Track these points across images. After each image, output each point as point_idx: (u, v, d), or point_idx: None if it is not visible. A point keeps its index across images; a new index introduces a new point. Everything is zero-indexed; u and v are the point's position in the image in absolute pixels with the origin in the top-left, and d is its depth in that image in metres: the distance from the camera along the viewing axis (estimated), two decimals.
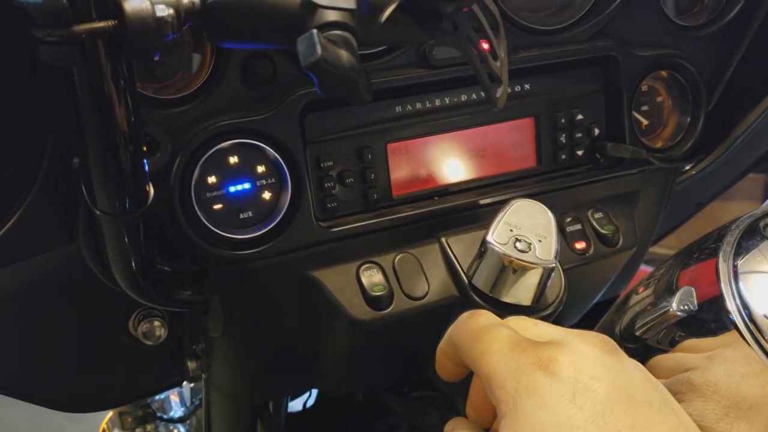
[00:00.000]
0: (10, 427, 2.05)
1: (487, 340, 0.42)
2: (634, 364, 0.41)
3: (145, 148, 0.48)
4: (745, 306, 0.50)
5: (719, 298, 0.51)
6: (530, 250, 0.58)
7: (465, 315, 0.46)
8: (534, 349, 0.40)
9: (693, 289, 0.56)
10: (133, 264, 0.54)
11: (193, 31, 0.57)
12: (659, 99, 0.78)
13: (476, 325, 0.43)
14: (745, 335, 0.50)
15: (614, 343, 0.42)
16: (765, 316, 0.49)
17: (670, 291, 0.58)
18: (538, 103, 0.70)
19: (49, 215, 0.54)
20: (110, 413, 1.04)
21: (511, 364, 0.40)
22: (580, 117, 0.72)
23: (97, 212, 0.48)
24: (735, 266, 0.51)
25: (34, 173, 0.52)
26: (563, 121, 0.71)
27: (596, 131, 0.73)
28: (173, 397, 1.06)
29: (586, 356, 0.40)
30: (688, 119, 0.78)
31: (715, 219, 1.08)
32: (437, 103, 0.66)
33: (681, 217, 0.97)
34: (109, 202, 0.48)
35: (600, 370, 0.39)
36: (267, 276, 0.62)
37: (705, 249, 0.58)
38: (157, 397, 1.04)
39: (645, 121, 0.77)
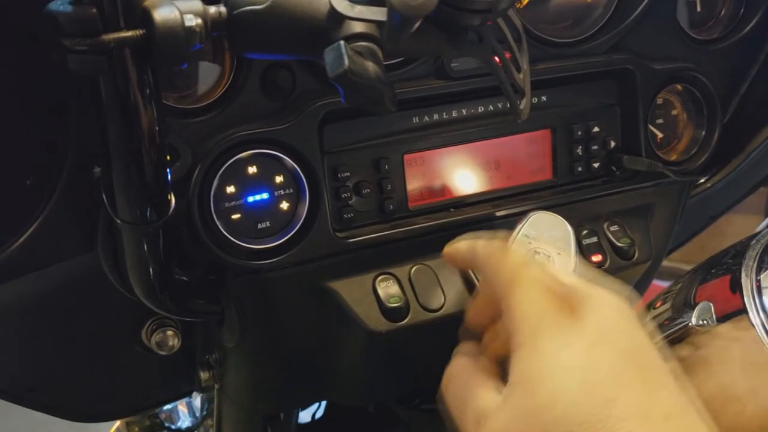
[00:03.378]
0: None
1: (522, 270, 0.43)
2: (648, 332, 0.42)
3: (168, 158, 0.48)
4: None
5: (742, 313, 0.51)
6: (549, 262, 0.58)
7: (497, 243, 0.47)
8: (565, 290, 0.41)
9: (711, 304, 0.56)
10: (151, 273, 0.53)
11: (214, 40, 0.57)
12: (674, 112, 0.77)
13: (513, 257, 0.45)
14: None
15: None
16: None
17: (689, 305, 0.58)
18: (555, 115, 0.70)
19: (68, 224, 0.54)
20: (117, 423, 1.03)
21: (540, 300, 0.40)
22: (596, 129, 0.72)
23: (119, 222, 0.48)
24: (758, 280, 0.51)
25: (54, 182, 0.51)
26: (579, 133, 0.71)
27: (612, 144, 0.73)
28: (181, 407, 1.05)
29: (613, 309, 0.40)
30: (703, 133, 0.78)
31: (720, 231, 1.07)
32: (454, 114, 0.66)
33: (693, 230, 0.97)
34: (130, 211, 0.47)
35: (624, 325, 0.40)
36: (283, 286, 0.61)
37: (724, 264, 0.58)
38: (165, 407, 1.03)
39: (660, 134, 0.77)
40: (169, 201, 0.49)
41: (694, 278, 0.61)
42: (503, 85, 0.47)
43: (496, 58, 0.48)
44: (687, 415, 0.38)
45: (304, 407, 0.95)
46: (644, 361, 0.39)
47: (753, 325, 0.49)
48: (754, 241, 0.54)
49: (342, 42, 0.40)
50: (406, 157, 0.65)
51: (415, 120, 0.65)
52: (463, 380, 0.45)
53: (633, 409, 0.36)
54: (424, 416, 0.86)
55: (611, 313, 0.40)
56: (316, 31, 0.42)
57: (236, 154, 0.57)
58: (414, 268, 0.65)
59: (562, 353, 0.38)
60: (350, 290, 0.62)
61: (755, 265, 0.52)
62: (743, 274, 0.51)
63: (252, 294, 0.62)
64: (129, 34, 0.38)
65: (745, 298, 0.50)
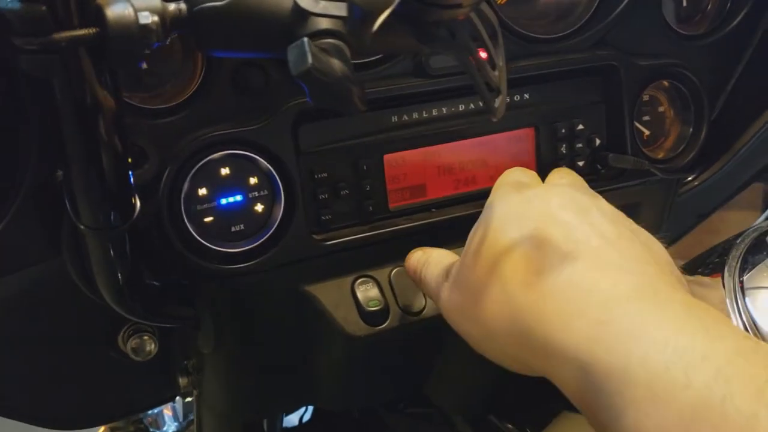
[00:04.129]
0: None
1: (509, 175, 0.56)
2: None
3: (130, 160, 0.46)
4: (752, 322, 0.49)
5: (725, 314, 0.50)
6: None
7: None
8: (521, 184, 0.53)
9: None
10: (119, 279, 0.52)
11: (183, 39, 0.56)
12: (661, 109, 0.76)
13: (518, 176, 0.56)
14: None
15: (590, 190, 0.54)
16: None
17: None
18: (538, 113, 0.69)
19: (32, 229, 0.52)
20: (102, 429, 1.02)
21: (506, 188, 0.52)
22: (580, 127, 0.71)
23: (81, 227, 0.47)
24: (741, 281, 0.50)
25: (18, 186, 0.50)
26: (563, 131, 0.70)
27: (597, 142, 0.71)
28: (166, 411, 1.04)
29: (553, 188, 0.51)
30: (690, 129, 0.76)
31: (714, 229, 1.06)
32: (434, 113, 0.65)
33: (682, 229, 0.96)
34: (93, 216, 0.46)
35: (558, 192, 0.49)
36: (258, 290, 0.60)
37: (709, 263, 0.57)
38: (149, 412, 1.02)
39: (646, 132, 0.75)
40: (134, 205, 0.48)
41: None
42: (476, 83, 0.46)
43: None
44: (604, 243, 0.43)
45: (286, 413, 0.93)
46: (578, 209, 0.46)
47: None
48: (738, 240, 0.53)
49: (305, 39, 0.38)
50: (386, 157, 0.64)
51: (394, 119, 0.63)
52: (438, 255, 0.56)
53: (560, 236, 0.44)
54: (410, 420, 0.84)
55: (552, 191, 0.50)
56: (280, 28, 0.40)
57: (207, 156, 0.56)
58: (394, 270, 0.63)
59: (502, 207, 0.49)
60: (328, 294, 0.61)
61: (738, 266, 0.50)
62: (726, 274, 0.50)
63: (226, 299, 0.60)
64: (81, 32, 0.37)
65: (727, 299, 0.49)
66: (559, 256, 0.43)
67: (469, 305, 0.47)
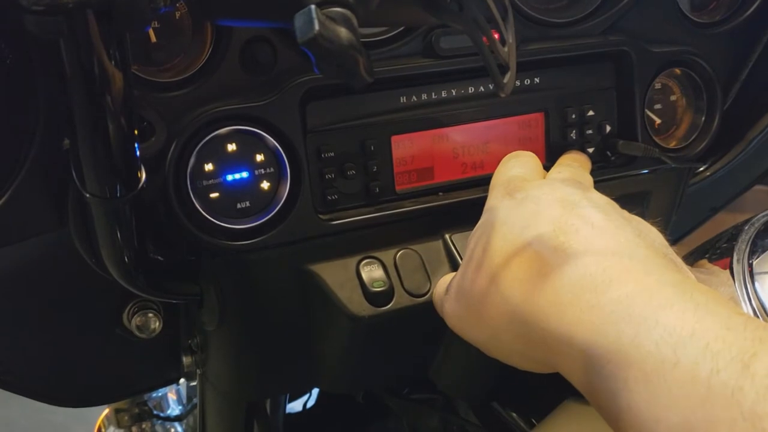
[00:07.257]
0: (12, 425, 2.04)
1: (497, 178, 0.58)
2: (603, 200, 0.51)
3: (136, 131, 0.46)
4: (762, 307, 0.48)
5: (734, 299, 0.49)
6: None
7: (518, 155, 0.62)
8: (514, 184, 0.54)
9: None
10: (124, 251, 0.52)
11: (192, 13, 0.55)
12: (673, 97, 0.75)
13: (512, 169, 0.59)
14: None
15: (581, 183, 0.54)
16: None
17: None
18: (548, 98, 0.68)
19: (38, 198, 0.53)
20: (106, 410, 1.02)
21: (499, 190, 0.55)
22: (591, 113, 0.70)
23: (87, 195, 0.47)
24: (750, 265, 0.49)
25: (24, 154, 0.50)
26: (573, 116, 0.69)
27: (607, 128, 0.71)
28: (171, 395, 1.04)
29: (543, 187, 0.51)
30: (703, 119, 0.75)
31: None
32: (444, 94, 0.64)
33: (694, 222, 0.95)
34: (98, 184, 0.46)
35: (547, 191, 0.51)
36: (263, 268, 0.60)
37: (718, 248, 0.56)
38: (154, 395, 1.02)
39: (658, 120, 0.74)
40: (139, 176, 0.48)
41: (688, 263, 0.59)
42: (485, 57, 0.45)
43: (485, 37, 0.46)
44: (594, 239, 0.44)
45: (291, 397, 0.93)
46: (566, 204, 0.48)
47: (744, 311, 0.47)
48: (747, 226, 0.52)
49: (313, 6, 0.38)
50: (394, 138, 0.63)
51: (403, 100, 0.63)
52: (443, 278, 0.59)
53: (550, 232, 0.45)
54: (414, 406, 0.84)
55: (542, 188, 0.51)
56: None
57: (214, 131, 0.56)
58: (399, 252, 0.63)
59: (493, 213, 0.51)
60: (333, 273, 0.61)
61: (748, 249, 0.50)
62: (735, 259, 0.49)
63: (231, 275, 0.60)
64: None
65: (736, 284, 0.48)
66: (550, 250, 0.44)
67: (470, 312, 0.50)
